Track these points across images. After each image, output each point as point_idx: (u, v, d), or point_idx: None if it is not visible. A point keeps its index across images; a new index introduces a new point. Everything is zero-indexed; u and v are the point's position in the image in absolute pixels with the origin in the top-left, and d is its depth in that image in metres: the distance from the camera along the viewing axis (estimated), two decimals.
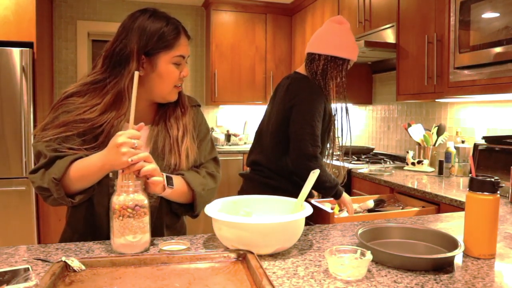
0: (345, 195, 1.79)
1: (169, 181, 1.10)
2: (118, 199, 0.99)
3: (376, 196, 2.12)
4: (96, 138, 1.11)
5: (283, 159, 1.77)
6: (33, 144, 1.12)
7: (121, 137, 0.98)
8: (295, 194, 1.25)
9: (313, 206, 1.81)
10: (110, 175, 1.12)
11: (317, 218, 1.77)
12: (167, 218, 1.23)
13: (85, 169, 1.05)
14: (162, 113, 1.23)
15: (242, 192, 1.90)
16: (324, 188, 1.72)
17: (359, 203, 1.96)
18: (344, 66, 1.74)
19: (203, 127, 1.31)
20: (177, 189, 1.13)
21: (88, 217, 1.16)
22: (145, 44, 1.10)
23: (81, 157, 1.08)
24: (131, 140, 0.98)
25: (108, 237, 1.14)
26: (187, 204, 1.21)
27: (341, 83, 1.75)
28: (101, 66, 1.14)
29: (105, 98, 1.11)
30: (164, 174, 1.10)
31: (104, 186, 1.12)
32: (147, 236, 1.03)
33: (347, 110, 1.80)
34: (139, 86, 1.09)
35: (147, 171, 1.02)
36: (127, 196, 0.99)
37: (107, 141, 1.05)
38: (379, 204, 1.98)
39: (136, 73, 1.03)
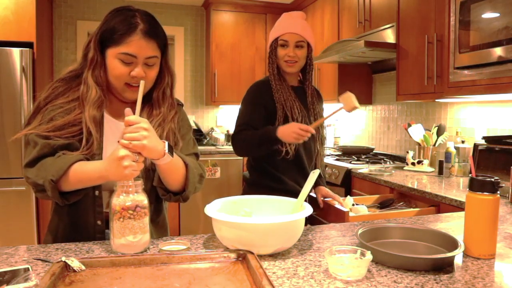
0: (280, 131, 1.64)
1: (170, 149, 1.07)
2: (118, 200, 0.99)
3: (376, 197, 2.12)
4: (89, 136, 1.12)
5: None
6: (24, 138, 1.12)
7: (122, 150, 0.97)
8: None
9: (328, 205, 1.84)
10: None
11: (332, 217, 1.80)
12: (150, 212, 1.23)
13: (83, 174, 1.05)
14: (141, 115, 1.22)
15: (244, 194, 1.92)
16: (262, 148, 1.71)
17: (361, 203, 1.96)
18: (273, 47, 1.83)
19: (185, 123, 1.31)
20: (174, 161, 1.10)
21: (73, 209, 1.16)
22: (100, 36, 1.12)
23: (80, 159, 1.07)
24: (132, 154, 0.97)
25: (93, 229, 1.16)
26: (173, 191, 1.19)
27: (270, 61, 1.83)
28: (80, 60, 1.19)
29: (81, 90, 1.14)
30: (166, 142, 1.07)
31: None
32: (147, 236, 1.03)
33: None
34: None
35: (131, 137, 0.98)
36: (127, 197, 0.99)
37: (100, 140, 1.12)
38: (388, 202, 2.01)
39: (142, 82, 1.03)
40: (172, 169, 1.12)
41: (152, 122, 1.18)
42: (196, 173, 1.20)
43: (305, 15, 1.89)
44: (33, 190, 1.09)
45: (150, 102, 1.23)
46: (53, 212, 1.22)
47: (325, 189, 1.91)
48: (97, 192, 1.14)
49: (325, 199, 1.90)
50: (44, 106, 1.14)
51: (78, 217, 1.16)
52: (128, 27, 1.09)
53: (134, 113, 1.01)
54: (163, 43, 1.16)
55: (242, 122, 1.80)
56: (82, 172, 1.05)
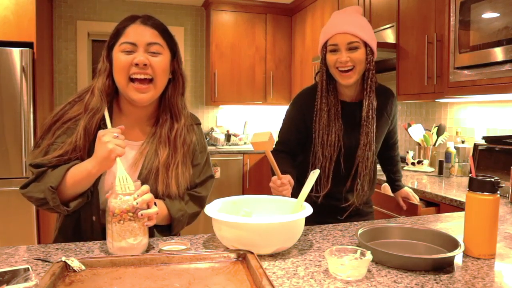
0: None
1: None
2: (118, 203, 0.98)
3: None
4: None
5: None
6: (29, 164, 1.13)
7: (106, 136, 1.01)
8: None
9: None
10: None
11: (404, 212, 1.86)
12: None
13: (77, 174, 1.06)
14: (156, 131, 1.20)
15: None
16: None
17: None
18: (322, 54, 1.51)
19: (201, 146, 1.29)
20: (160, 214, 1.11)
21: (76, 227, 1.17)
22: (107, 43, 1.15)
23: (75, 164, 1.09)
24: (113, 134, 1.02)
25: (91, 226, 1.16)
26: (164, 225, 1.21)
27: (321, 71, 1.52)
28: None
29: (86, 98, 1.15)
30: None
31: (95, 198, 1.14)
32: (147, 238, 1.02)
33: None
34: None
35: (147, 215, 1.01)
36: (126, 198, 0.99)
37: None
38: None
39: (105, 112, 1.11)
40: (159, 220, 1.14)
41: (176, 135, 1.19)
42: (185, 219, 1.21)
43: (360, 9, 1.49)
44: (37, 206, 1.11)
45: (169, 112, 1.21)
46: (58, 231, 1.22)
47: (405, 191, 1.83)
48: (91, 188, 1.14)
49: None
50: (53, 124, 1.14)
51: (79, 212, 1.16)
52: (128, 19, 1.14)
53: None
54: (167, 35, 1.16)
55: (278, 140, 1.57)
56: (76, 173, 1.07)
